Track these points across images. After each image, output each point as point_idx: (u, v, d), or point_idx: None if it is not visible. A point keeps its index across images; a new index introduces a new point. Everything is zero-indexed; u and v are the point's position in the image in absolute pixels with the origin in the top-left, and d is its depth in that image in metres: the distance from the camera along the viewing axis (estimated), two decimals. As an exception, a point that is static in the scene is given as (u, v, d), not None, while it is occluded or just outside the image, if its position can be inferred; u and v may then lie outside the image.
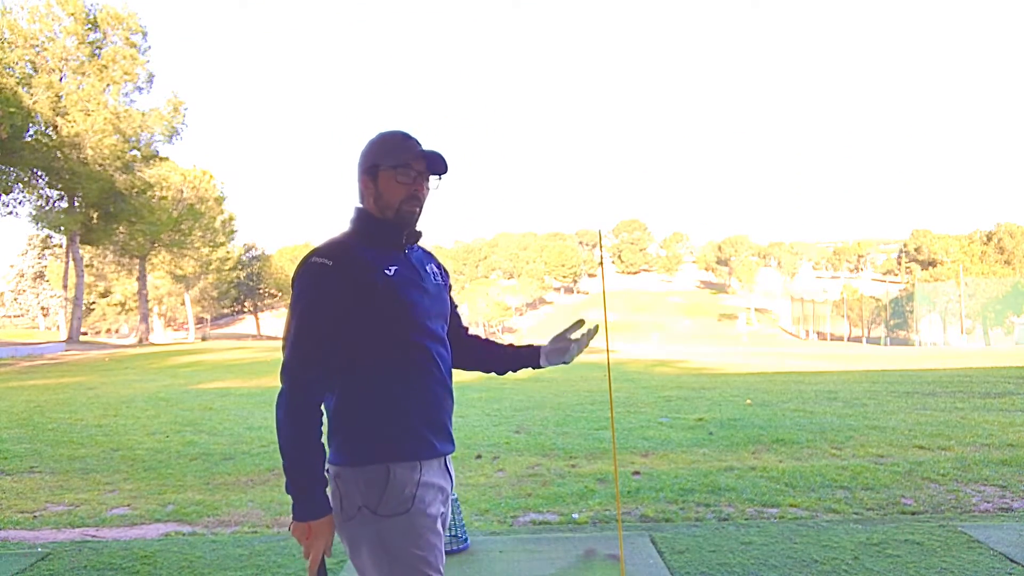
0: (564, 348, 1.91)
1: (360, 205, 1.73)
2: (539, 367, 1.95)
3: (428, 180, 1.72)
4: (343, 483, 1.59)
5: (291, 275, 1.65)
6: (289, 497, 1.53)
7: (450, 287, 1.87)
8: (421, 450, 1.61)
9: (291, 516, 1.54)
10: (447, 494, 1.70)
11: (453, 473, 1.76)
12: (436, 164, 1.69)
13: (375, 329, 1.60)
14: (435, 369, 1.66)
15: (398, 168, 1.66)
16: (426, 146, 1.72)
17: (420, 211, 1.70)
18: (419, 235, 1.74)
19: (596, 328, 1.96)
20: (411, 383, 1.62)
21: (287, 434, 1.51)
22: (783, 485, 4.98)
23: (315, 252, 1.61)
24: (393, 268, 1.63)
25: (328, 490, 1.57)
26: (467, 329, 1.99)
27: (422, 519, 1.58)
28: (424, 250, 1.83)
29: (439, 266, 1.84)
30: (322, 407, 1.58)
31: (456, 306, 1.93)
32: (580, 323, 1.93)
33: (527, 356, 1.95)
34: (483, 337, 2.01)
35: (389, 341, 1.61)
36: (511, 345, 2.01)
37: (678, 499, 4.69)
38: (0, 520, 4.58)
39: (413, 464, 1.59)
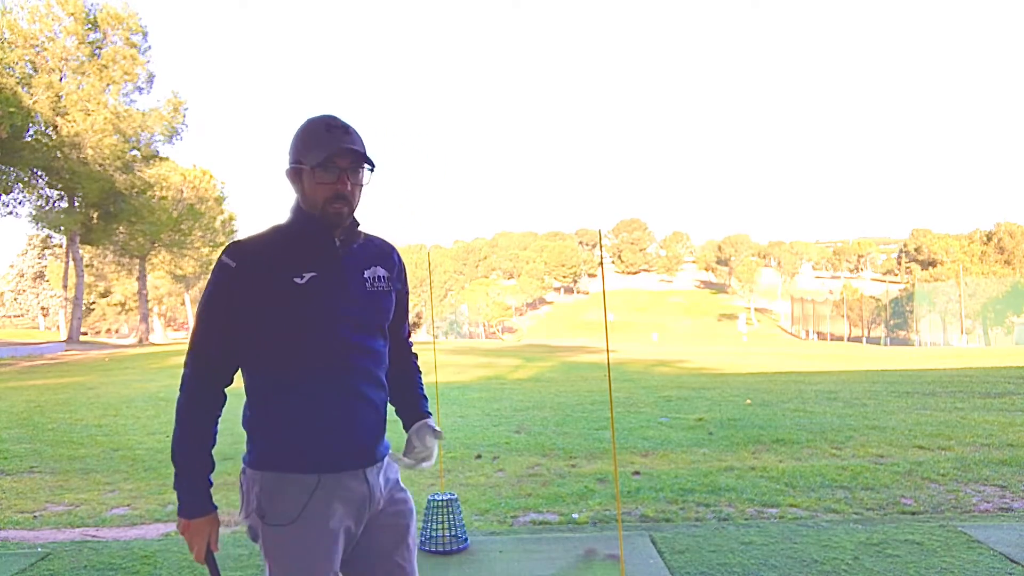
0: (419, 456, 1.76)
1: (296, 201, 1.63)
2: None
3: (358, 173, 1.58)
4: (246, 481, 1.59)
5: None
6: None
7: (398, 291, 1.74)
8: (320, 462, 1.54)
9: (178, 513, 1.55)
10: (366, 506, 1.60)
11: (379, 485, 1.63)
12: (354, 158, 1.56)
13: (279, 335, 1.55)
14: (350, 380, 1.57)
15: (318, 168, 1.54)
16: (352, 129, 1.59)
17: (351, 209, 1.58)
18: (357, 234, 1.64)
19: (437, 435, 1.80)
20: (316, 393, 1.55)
21: (178, 432, 1.55)
22: (783, 485, 4.98)
23: (227, 248, 1.57)
24: (308, 275, 1.54)
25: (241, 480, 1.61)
26: (408, 344, 1.88)
27: (312, 531, 1.51)
28: (378, 249, 1.71)
29: (391, 268, 1.70)
30: (218, 404, 1.60)
31: (405, 317, 1.82)
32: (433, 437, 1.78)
33: (406, 419, 1.83)
34: (412, 366, 1.90)
35: (294, 349, 1.55)
36: (415, 392, 1.87)
37: (678, 499, 4.69)
38: (0, 520, 4.58)
39: (310, 476, 1.53)
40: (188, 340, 1.59)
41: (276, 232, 1.61)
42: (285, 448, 1.55)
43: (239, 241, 1.59)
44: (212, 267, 1.58)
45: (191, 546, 1.55)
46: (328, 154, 1.53)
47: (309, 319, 1.54)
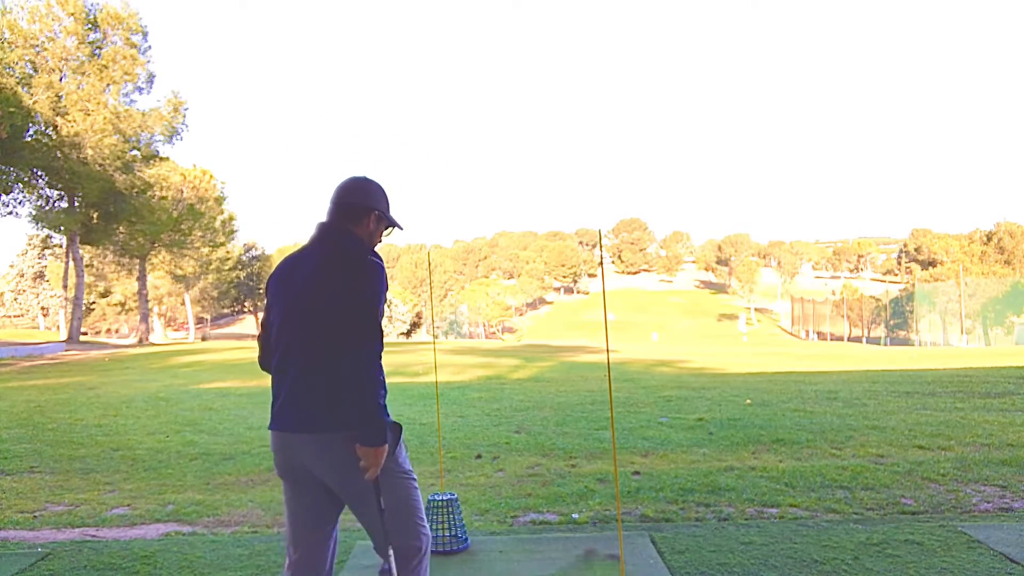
0: None
1: (351, 228, 2.24)
2: None
3: None
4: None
5: None
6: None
7: None
8: None
9: (365, 444, 2.03)
10: None
11: None
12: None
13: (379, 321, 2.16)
14: None
15: (388, 225, 2.34)
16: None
17: None
18: None
19: None
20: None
21: (373, 386, 2.02)
22: (783, 485, 4.98)
23: (373, 254, 2.18)
24: None
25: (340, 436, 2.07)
26: None
27: None
28: None
29: None
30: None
31: None
32: None
33: None
34: None
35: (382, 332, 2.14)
36: None
37: (678, 499, 4.68)
38: (0, 520, 4.58)
39: None
40: (371, 327, 2.05)
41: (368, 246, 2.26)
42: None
43: (374, 249, 2.24)
44: (360, 267, 2.13)
45: (376, 467, 2.04)
46: (395, 225, 2.37)
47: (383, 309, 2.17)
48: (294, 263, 2.23)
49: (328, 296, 2.08)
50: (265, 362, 2.30)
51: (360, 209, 2.24)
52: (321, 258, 2.16)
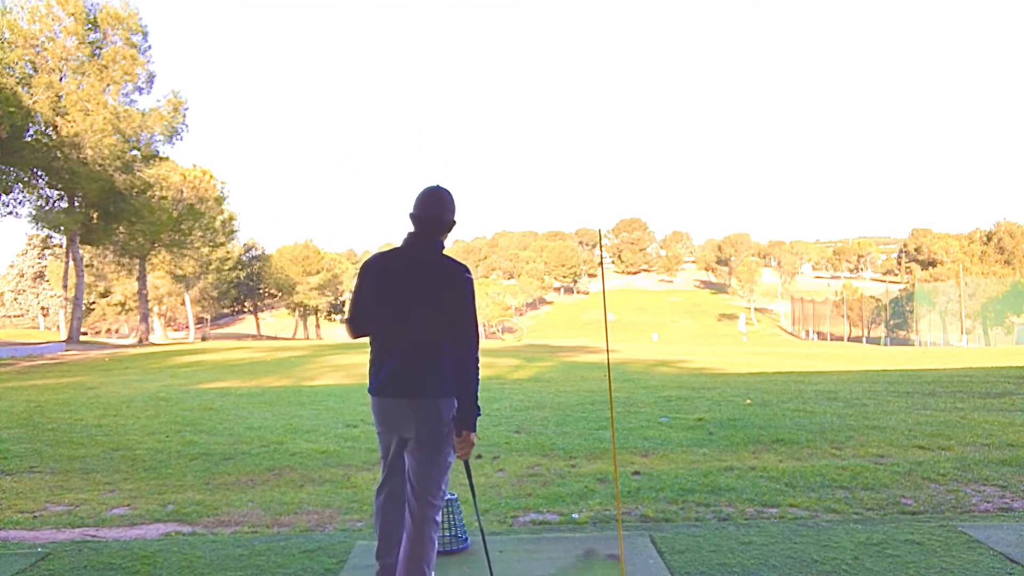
0: None
1: (442, 240, 2.85)
2: None
3: None
4: (450, 404, 2.75)
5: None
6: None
7: None
8: None
9: (471, 430, 2.75)
10: None
11: None
12: None
13: None
14: None
15: None
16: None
17: None
18: None
19: None
20: None
21: (478, 381, 2.76)
22: (783, 485, 4.98)
23: (467, 270, 2.78)
24: None
25: (442, 408, 2.72)
26: None
27: None
28: None
29: None
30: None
31: None
32: None
33: None
34: None
35: None
36: None
37: (678, 499, 4.68)
38: (0, 520, 4.58)
39: None
40: (477, 329, 2.74)
41: None
42: None
43: (464, 266, 2.79)
44: (456, 271, 2.77)
45: (471, 446, 2.77)
46: None
47: None
48: (397, 262, 2.79)
49: (443, 304, 2.70)
50: (358, 328, 2.88)
51: (450, 225, 2.87)
52: (434, 271, 2.74)
